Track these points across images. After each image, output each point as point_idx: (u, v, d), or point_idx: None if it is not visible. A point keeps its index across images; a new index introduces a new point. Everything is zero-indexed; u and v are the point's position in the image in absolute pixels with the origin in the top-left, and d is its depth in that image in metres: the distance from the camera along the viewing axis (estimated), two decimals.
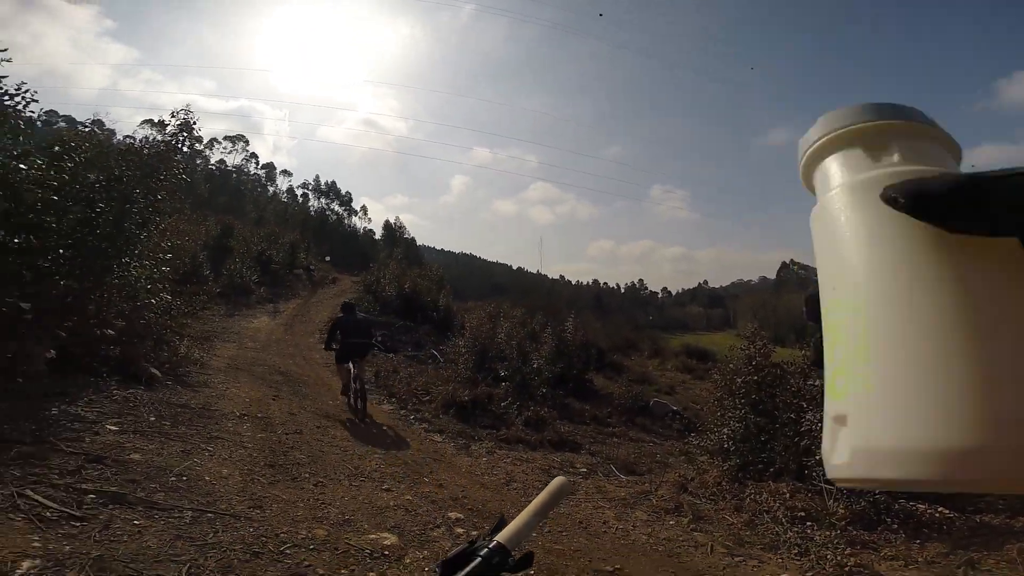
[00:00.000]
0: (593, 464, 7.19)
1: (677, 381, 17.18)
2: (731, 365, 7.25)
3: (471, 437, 7.45)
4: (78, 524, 2.76)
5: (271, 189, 50.79)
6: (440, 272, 23.69)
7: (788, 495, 5.34)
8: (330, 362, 8.70)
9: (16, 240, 4.85)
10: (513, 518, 0.88)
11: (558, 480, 0.93)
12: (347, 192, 53.28)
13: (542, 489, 0.89)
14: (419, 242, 47.53)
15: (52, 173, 5.54)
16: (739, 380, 6.82)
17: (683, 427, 10.71)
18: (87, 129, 7.14)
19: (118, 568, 2.43)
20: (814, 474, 5.44)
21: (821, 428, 0.32)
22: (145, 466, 3.86)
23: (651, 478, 6.72)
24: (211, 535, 3.05)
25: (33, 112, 5.72)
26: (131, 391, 5.67)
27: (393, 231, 43.72)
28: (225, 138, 50.30)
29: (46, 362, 5.19)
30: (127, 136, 7.78)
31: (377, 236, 44.94)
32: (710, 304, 61.12)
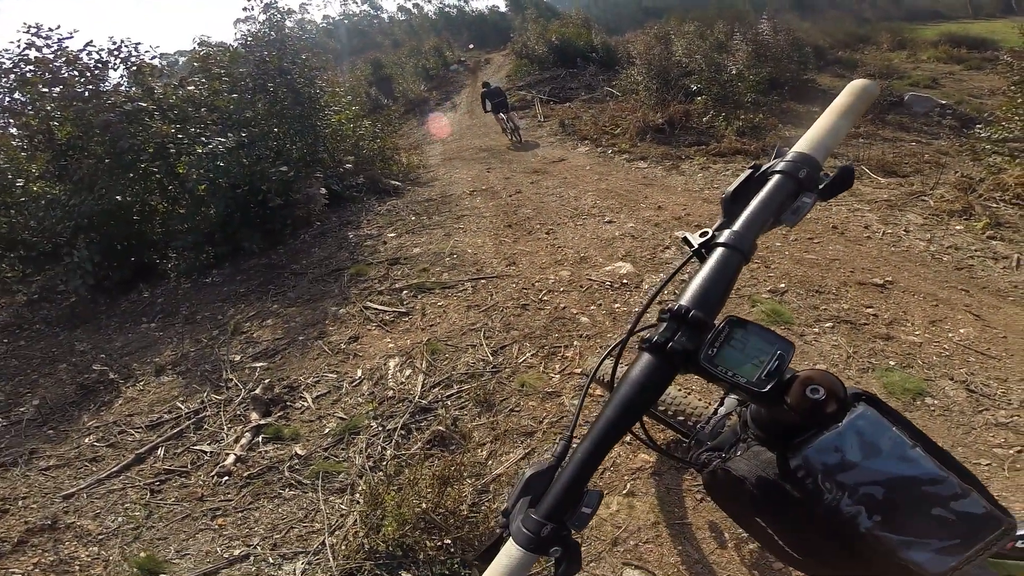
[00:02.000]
0: (838, 166, 5.51)
1: (940, 73, 12.07)
2: None
3: (677, 157, 6.68)
4: (407, 319, 3.26)
5: (385, 16, 45.95)
6: (580, 13, 21.36)
7: None
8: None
9: (244, 134, 5.42)
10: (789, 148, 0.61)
11: (858, 82, 0.65)
12: None
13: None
14: None
15: (215, 84, 5.94)
16: None
17: (959, 124, 7.72)
18: (203, 50, 7.23)
19: (441, 347, 2.82)
20: None
21: None
22: (425, 255, 4.35)
23: (921, 179, 5.05)
24: (488, 299, 3.36)
25: (149, 53, 5.90)
26: (388, 203, 6.34)
27: None
28: None
29: (324, 200, 5.98)
30: (236, 40, 7.82)
31: (503, 9, 38.67)
32: None
